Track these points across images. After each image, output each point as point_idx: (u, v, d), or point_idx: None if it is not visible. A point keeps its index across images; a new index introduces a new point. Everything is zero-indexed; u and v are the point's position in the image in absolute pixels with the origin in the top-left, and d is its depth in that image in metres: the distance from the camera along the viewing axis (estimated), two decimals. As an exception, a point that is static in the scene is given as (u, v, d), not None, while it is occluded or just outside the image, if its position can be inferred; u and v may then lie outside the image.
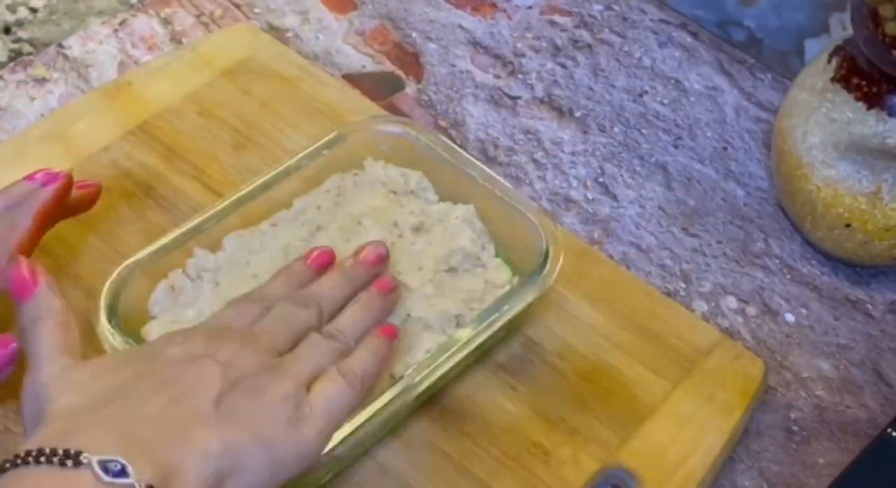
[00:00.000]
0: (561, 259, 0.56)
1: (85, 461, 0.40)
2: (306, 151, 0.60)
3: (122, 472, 0.40)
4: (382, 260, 0.55)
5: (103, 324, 0.52)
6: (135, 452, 0.41)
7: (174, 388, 0.44)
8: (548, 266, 0.56)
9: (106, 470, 0.40)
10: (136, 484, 0.39)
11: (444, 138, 0.62)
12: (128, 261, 0.55)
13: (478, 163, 0.60)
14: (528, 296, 0.55)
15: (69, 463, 0.40)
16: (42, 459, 0.40)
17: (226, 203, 0.58)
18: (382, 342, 0.51)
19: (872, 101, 0.60)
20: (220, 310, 0.52)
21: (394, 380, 0.52)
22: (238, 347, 0.47)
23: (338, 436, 0.49)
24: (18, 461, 0.40)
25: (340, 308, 0.53)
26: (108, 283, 0.54)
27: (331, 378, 0.48)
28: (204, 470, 0.42)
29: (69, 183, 0.57)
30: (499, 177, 0.60)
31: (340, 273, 0.54)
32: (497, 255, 0.59)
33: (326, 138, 0.61)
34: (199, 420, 0.44)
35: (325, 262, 0.55)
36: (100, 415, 0.43)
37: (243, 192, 0.58)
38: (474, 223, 0.60)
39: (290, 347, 0.49)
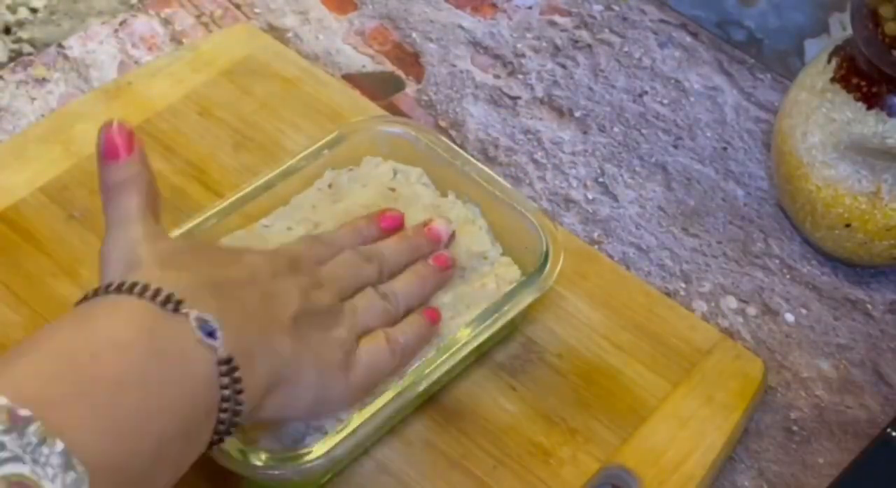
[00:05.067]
0: (561, 259, 0.56)
1: (184, 311, 0.41)
2: (307, 151, 0.60)
3: (212, 335, 0.42)
4: (447, 238, 0.57)
5: None
6: (229, 324, 0.43)
7: (265, 288, 0.47)
8: (548, 266, 0.56)
9: (200, 327, 0.42)
10: (219, 350, 0.42)
11: (444, 139, 0.62)
12: None
13: (478, 163, 0.60)
14: (528, 297, 0.55)
15: (169, 306, 0.41)
16: (146, 294, 0.41)
17: (225, 203, 0.58)
18: (426, 323, 0.54)
19: (872, 101, 0.60)
20: (289, 243, 0.54)
21: (394, 380, 0.52)
22: (313, 282, 0.50)
23: (338, 437, 0.49)
24: (123, 287, 0.42)
25: (397, 272, 0.55)
26: None
27: (378, 340, 0.51)
28: (273, 367, 0.45)
29: None
30: (499, 178, 0.60)
31: (404, 239, 0.56)
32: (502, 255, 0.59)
33: (327, 138, 0.61)
34: (280, 326, 0.46)
35: (394, 226, 0.57)
36: (203, 280, 0.44)
37: (243, 193, 0.58)
38: (480, 222, 0.60)
39: (351, 295, 0.52)
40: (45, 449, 0.35)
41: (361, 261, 0.53)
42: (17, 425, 0.35)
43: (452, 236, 0.58)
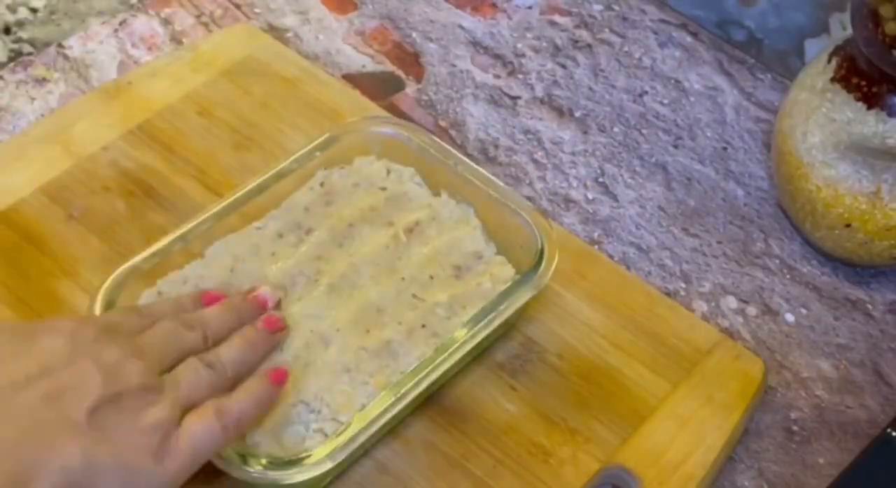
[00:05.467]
0: (556, 258, 0.56)
1: None
2: (299, 153, 0.60)
3: None
4: (272, 304, 0.54)
5: None
6: None
7: (51, 383, 0.43)
8: (543, 264, 0.56)
9: None
10: None
11: (436, 139, 0.62)
12: (123, 267, 0.54)
13: (471, 163, 0.60)
14: (525, 295, 0.55)
15: None
16: None
17: (219, 207, 0.57)
18: (266, 386, 0.50)
19: (872, 101, 0.60)
20: (109, 314, 0.51)
21: (392, 383, 0.52)
22: (125, 354, 0.46)
23: (337, 441, 0.49)
24: None
25: (223, 339, 0.51)
26: (102, 289, 0.53)
27: (205, 415, 0.47)
28: (58, 481, 0.41)
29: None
30: (493, 177, 0.60)
31: (227, 306, 0.53)
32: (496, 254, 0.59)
33: (319, 140, 0.61)
34: (68, 428, 0.42)
35: (215, 303, 0.54)
36: None
37: (237, 196, 0.58)
38: (474, 222, 0.60)
39: (171, 366, 0.48)
40: None
41: (182, 328, 0.50)
42: None
43: (279, 303, 0.55)
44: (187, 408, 0.47)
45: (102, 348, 0.45)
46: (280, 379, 0.50)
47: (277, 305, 0.55)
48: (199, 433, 0.46)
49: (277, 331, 0.53)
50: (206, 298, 0.53)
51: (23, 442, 0.41)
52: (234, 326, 0.52)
